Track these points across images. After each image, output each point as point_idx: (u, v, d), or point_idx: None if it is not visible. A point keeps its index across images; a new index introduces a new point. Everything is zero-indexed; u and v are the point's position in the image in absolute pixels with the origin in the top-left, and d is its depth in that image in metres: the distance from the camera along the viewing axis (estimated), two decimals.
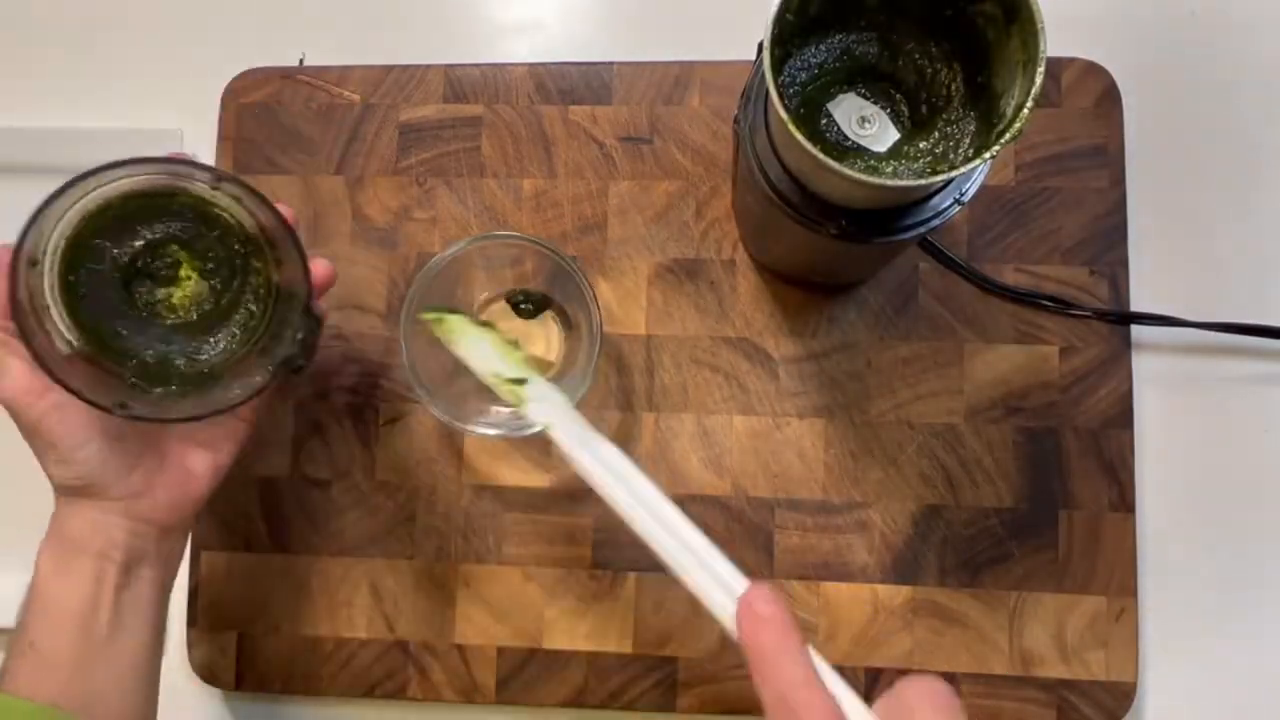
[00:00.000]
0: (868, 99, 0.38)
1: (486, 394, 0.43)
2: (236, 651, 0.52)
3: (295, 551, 0.52)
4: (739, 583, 0.34)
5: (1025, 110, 0.32)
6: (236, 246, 0.42)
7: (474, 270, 0.49)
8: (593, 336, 0.45)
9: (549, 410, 0.39)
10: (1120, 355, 0.49)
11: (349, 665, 0.51)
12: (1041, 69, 0.32)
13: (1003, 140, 0.32)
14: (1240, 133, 0.52)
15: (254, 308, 0.42)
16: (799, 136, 0.31)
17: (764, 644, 0.30)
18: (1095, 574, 0.48)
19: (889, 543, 0.49)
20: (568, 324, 0.51)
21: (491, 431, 0.45)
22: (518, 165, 0.53)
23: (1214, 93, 0.52)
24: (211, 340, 0.42)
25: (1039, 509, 0.49)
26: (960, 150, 0.36)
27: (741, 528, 0.50)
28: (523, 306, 0.51)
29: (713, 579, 0.34)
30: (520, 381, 0.40)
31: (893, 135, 0.37)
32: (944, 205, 0.37)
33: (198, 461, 0.42)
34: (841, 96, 0.38)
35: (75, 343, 0.39)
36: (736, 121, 0.40)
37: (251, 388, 0.39)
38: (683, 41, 0.54)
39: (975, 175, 0.37)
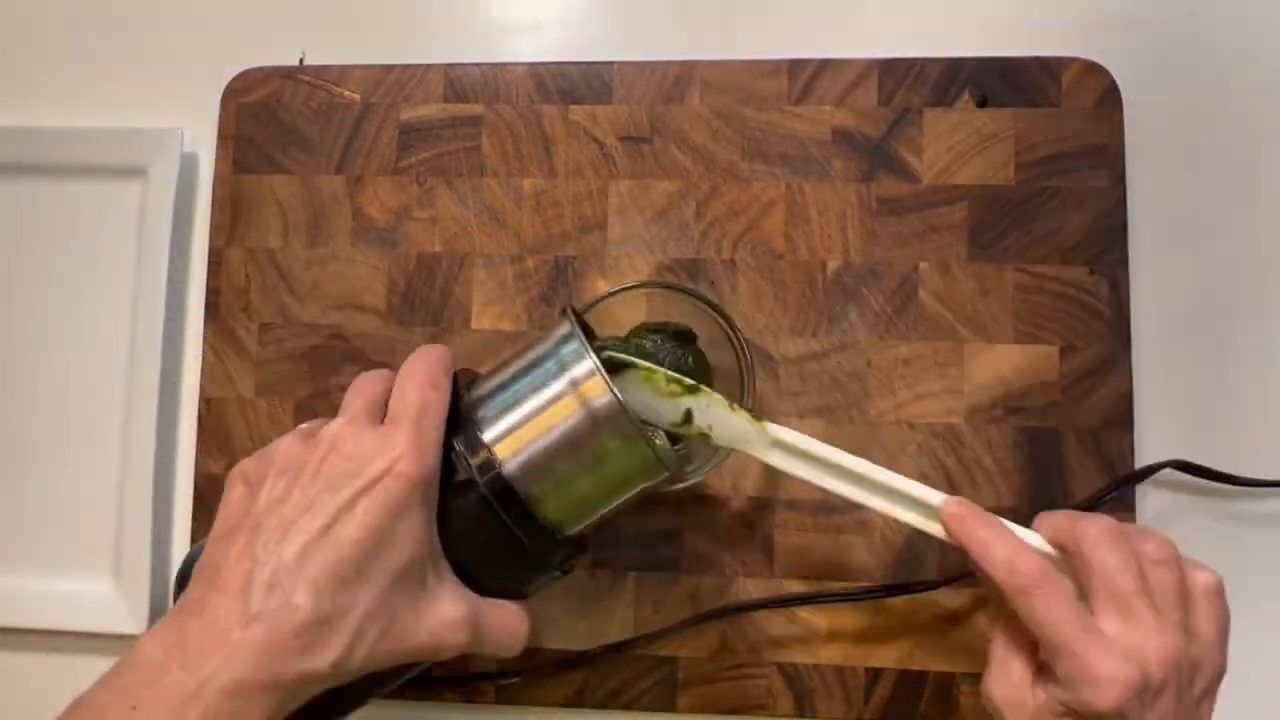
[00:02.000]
0: None
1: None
2: None
3: None
4: (936, 498, 0.39)
5: None
6: None
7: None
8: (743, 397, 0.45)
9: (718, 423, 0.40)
10: (1120, 355, 0.49)
11: None
12: None
13: None
14: (1240, 133, 0.52)
15: None
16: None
17: (972, 534, 0.37)
18: None
19: (889, 543, 0.49)
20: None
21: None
22: (518, 165, 0.53)
23: (1214, 93, 0.52)
24: None
25: (1039, 509, 0.49)
26: None
27: (741, 527, 0.50)
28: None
29: (912, 506, 0.40)
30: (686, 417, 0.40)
31: None
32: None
33: None
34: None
35: None
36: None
37: None
38: (683, 41, 0.54)
39: None
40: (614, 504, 0.39)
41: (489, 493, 0.36)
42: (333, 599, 0.32)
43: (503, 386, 0.39)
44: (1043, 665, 0.36)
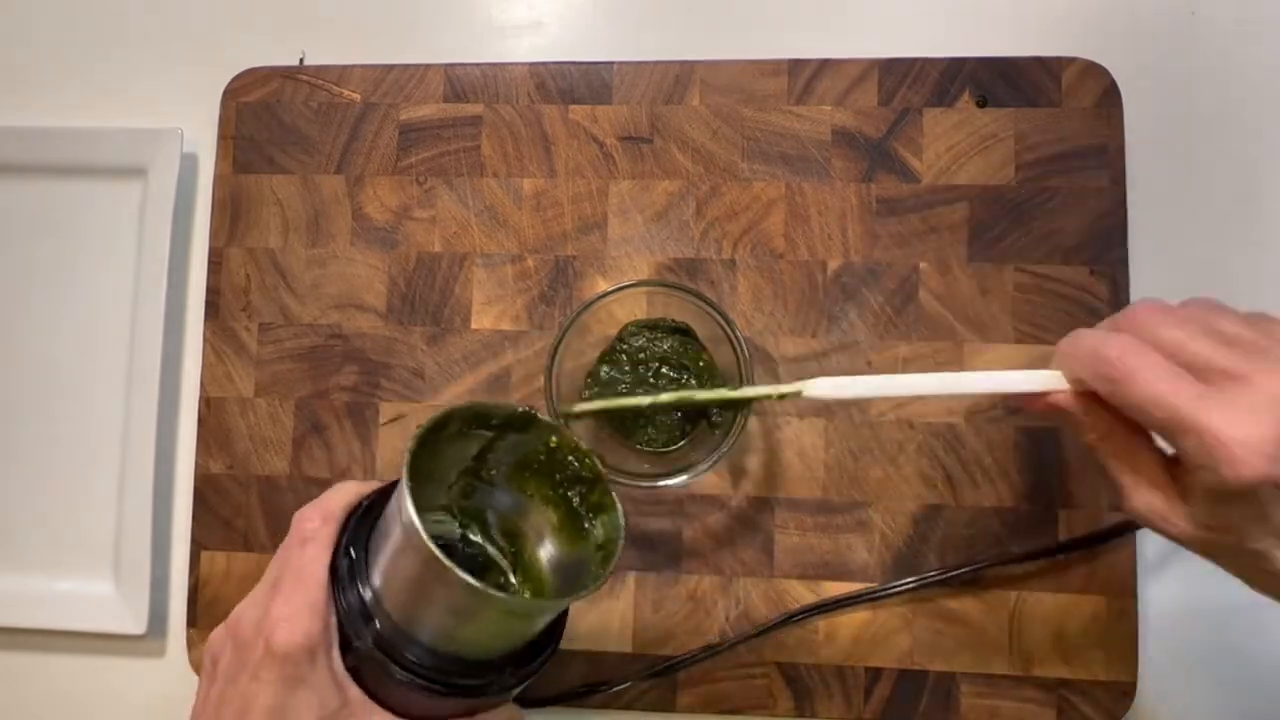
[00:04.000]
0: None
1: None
2: None
3: None
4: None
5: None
6: None
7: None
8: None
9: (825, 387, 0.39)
10: None
11: None
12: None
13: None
14: (1240, 133, 0.52)
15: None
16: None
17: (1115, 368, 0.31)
18: (1095, 574, 0.48)
19: (889, 543, 0.49)
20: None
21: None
22: (518, 165, 0.53)
23: (1214, 93, 0.52)
24: None
25: (1039, 509, 0.49)
26: None
27: (741, 527, 0.50)
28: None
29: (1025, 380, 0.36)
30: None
31: None
32: None
33: None
34: None
35: None
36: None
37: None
38: (683, 41, 0.54)
39: None
40: (536, 629, 0.38)
41: (385, 657, 0.35)
42: None
43: (378, 542, 0.37)
44: (1175, 473, 0.32)
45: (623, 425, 0.47)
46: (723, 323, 0.45)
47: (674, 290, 0.46)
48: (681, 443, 0.48)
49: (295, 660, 0.34)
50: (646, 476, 0.45)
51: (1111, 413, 0.32)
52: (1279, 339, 0.30)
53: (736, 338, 0.44)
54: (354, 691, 0.36)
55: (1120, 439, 0.33)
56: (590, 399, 0.47)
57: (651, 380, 0.47)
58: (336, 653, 0.36)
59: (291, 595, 0.35)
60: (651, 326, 0.48)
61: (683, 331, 0.48)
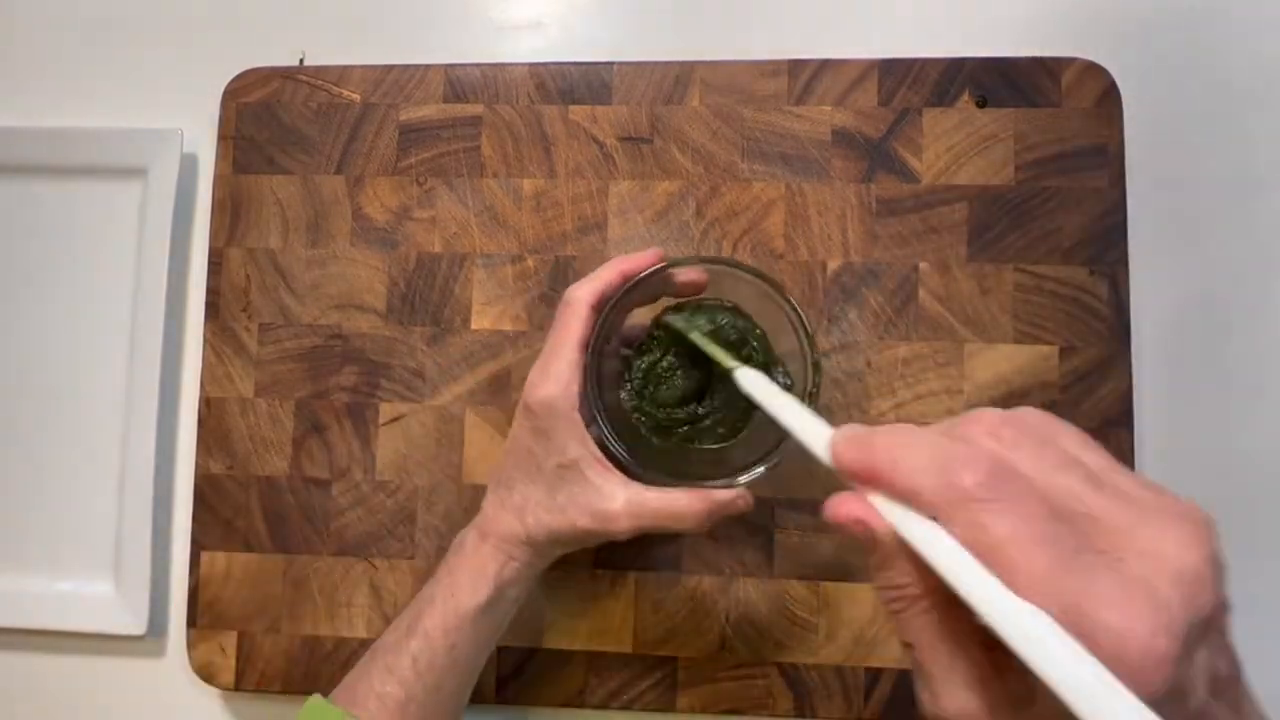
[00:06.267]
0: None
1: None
2: (236, 651, 0.52)
3: (295, 551, 0.52)
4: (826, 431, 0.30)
5: None
6: None
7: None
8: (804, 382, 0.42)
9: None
10: (1120, 355, 0.49)
11: (349, 665, 0.51)
12: None
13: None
14: (1240, 133, 0.52)
15: None
16: None
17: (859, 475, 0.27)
18: None
19: None
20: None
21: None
22: (518, 165, 0.53)
23: (1214, 93, 0.52)
24: None
25: None
26: None
27: (741, 528, 0.50)
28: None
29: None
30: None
31: None
32: None
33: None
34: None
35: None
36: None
37: None
38: (683, 41, 0.54)
39: None
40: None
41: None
42: (495, 492, 0.44)
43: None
44: (997, 659, 0.23)
45: (666, 430, 0.45)
46: (780, 299, 0.42)
47: (729, 268, 0.43)
48: (731, 440, 0.45)
49: (538, 415, 0.41)
50: (707, 477, 0.42)
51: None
52: (1151, 487, 0.22)
53: (798, 315, 0.42)
54: (589, 451, 0.41)
55: (941, 605, 0.23)
56: (632, 389, 0.45)
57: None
58: (577, 416, 0.41)
59: (545, 364, 0.42)
60: (696, 308, 0.45)
61: (731, 310, 0.45)
